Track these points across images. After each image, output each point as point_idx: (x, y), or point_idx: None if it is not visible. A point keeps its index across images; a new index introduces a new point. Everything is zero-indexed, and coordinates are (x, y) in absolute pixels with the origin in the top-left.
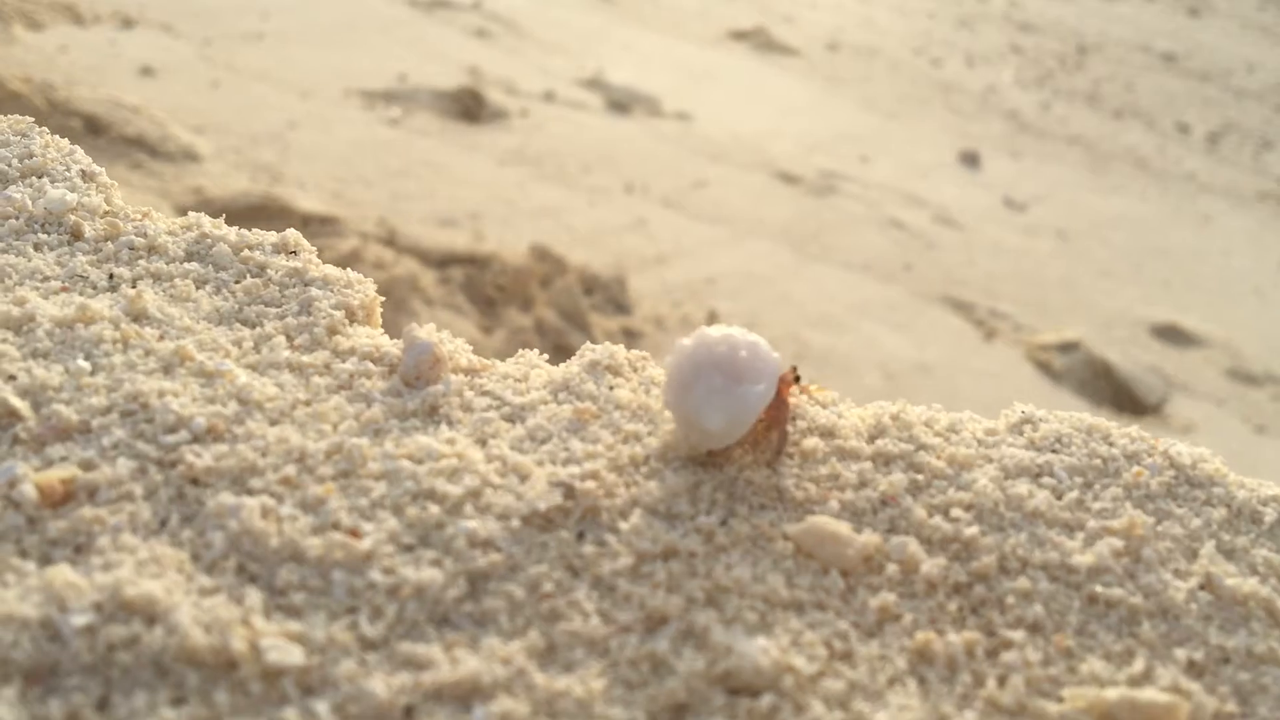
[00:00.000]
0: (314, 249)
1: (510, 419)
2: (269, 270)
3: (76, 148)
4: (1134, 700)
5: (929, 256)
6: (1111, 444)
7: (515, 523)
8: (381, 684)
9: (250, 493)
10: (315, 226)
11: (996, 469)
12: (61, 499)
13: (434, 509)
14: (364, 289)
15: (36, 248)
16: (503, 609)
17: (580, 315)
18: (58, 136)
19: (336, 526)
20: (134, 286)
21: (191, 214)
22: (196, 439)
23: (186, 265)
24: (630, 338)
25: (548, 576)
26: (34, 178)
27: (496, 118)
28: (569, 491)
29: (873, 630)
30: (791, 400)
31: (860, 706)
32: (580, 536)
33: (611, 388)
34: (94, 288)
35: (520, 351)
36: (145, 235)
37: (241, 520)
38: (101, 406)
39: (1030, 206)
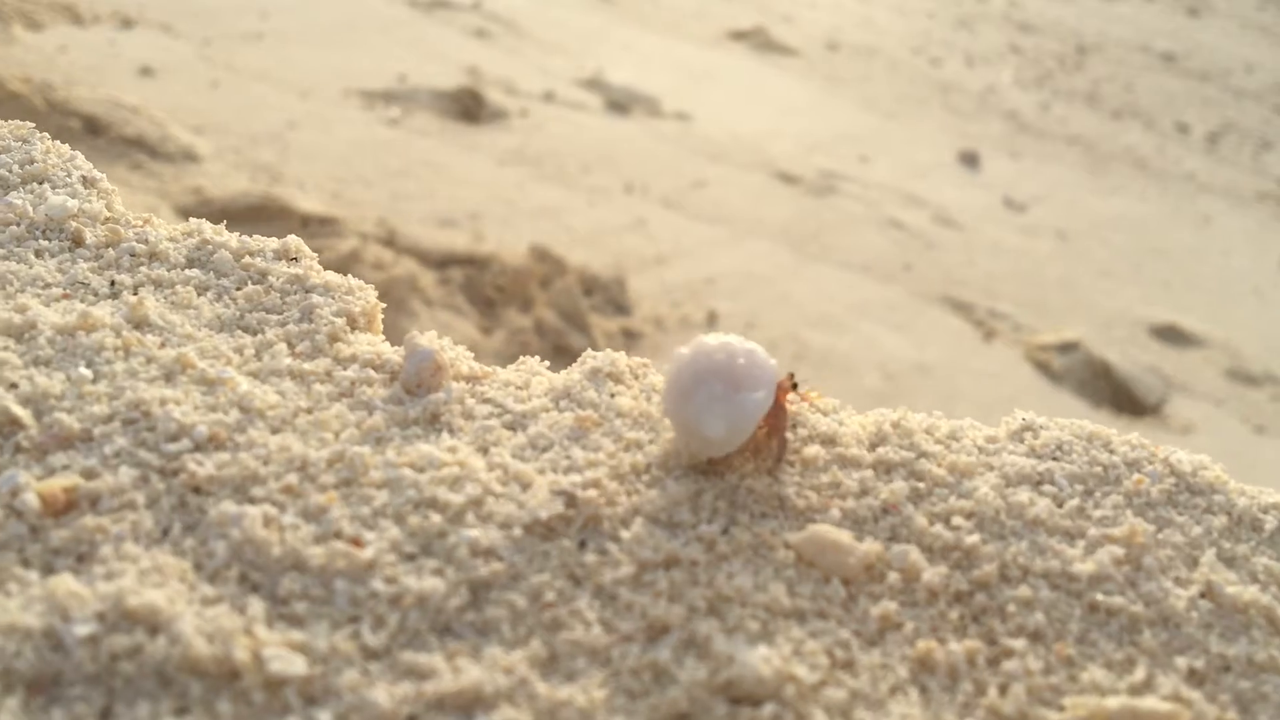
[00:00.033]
0: (315, 255)
1: (511, 427)
2: (270, 277)
3: (77, 153)
4: (1135, 709)
5: (928, 257)
6: (1112, 451)
7: (517, 531)
8: (384, 693)
9: (252, 501)
10: (315, 227)
11: (997, 477)
12: (64, 508)
13: (436, 518)
14: (365, 295)
15: (38, 254)
16: (505, 618)
17: (580, 316)
18: (59, 142)
19: (338, 535)
20: (135, 293)
21: (192, 220)
22: (198, 447)
23: (188, 272)
24: (630, 338)
25: (549, 585)
26: (35, 184)
27: (496, 118)
28: (570, 500)
29: (874, 639)
30: (791, 408)
31: (862, 715)
32: (582, 545)
33: (613, 395)
34: (95, 295)
35: (521, 358)
36: (146, 241)
37: (244, 529)
38: (103, 415)
39: (1030, 207)
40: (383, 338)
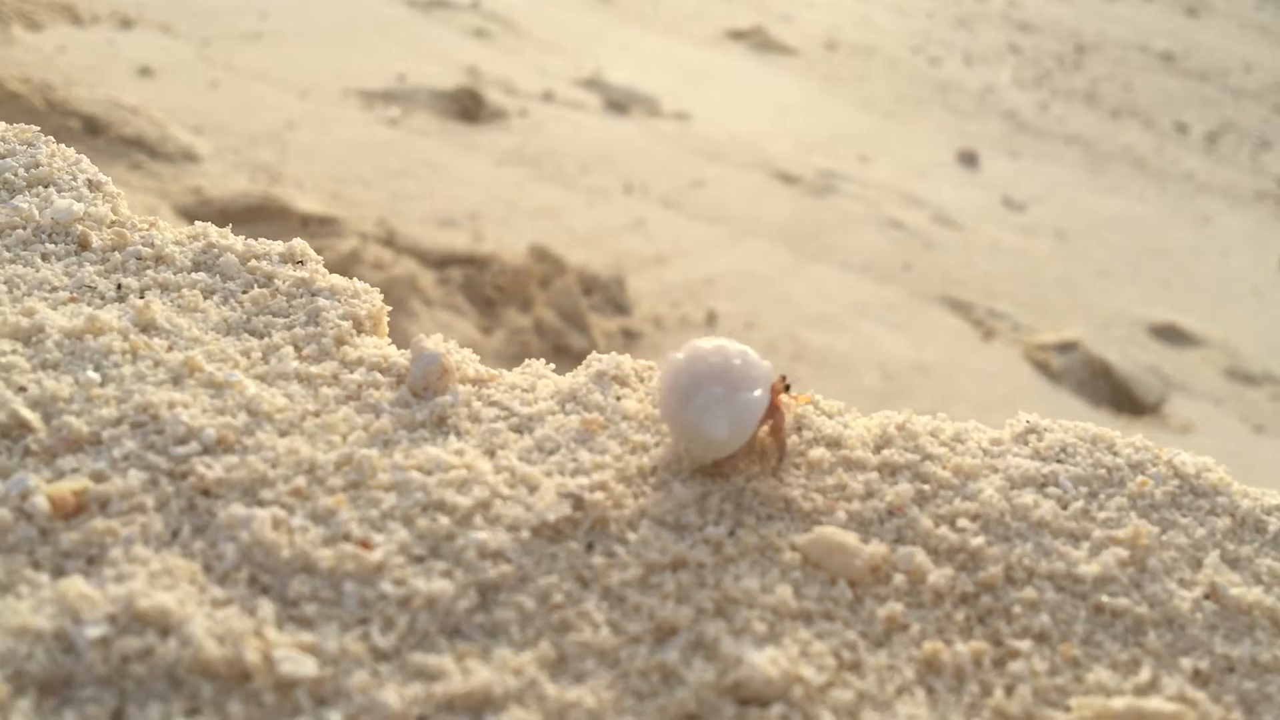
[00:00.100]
0: (320, 258)
1: (518, 430)
2: (276, 280)
3: (82, 157)
4: (1140, 709)
5: (927, 256)
6: (1116, 454)
7: (525, 534)
8: (394, 695)
9: (261, 504)
10: (314, 227)
11: (1002, 479)
12: (73, 510)
13: (444, 520)
14: (371, 299)
15: (44, 258)
16: (513, 620)
17: (579, 315)
18: (64, 145)
19: (347, 538)
20: (142, 297)
21: (198, 223)
22: (207, 450)
23: (194, 275)
24: (629, 338)
25: (557, 587)
26: (40, 187)
27: (495, 118)
28: (578, 502)
29: (881, 640)
30: (797, 411)
31: (869, 716)
32: (589, 547)
33: (619, 398)
34: (102, 298)
35: (526, 361)
36: (152, 245)
37: (253, 531)
38: (112, 418)
39: (1029, 206)
40: (389, 341)
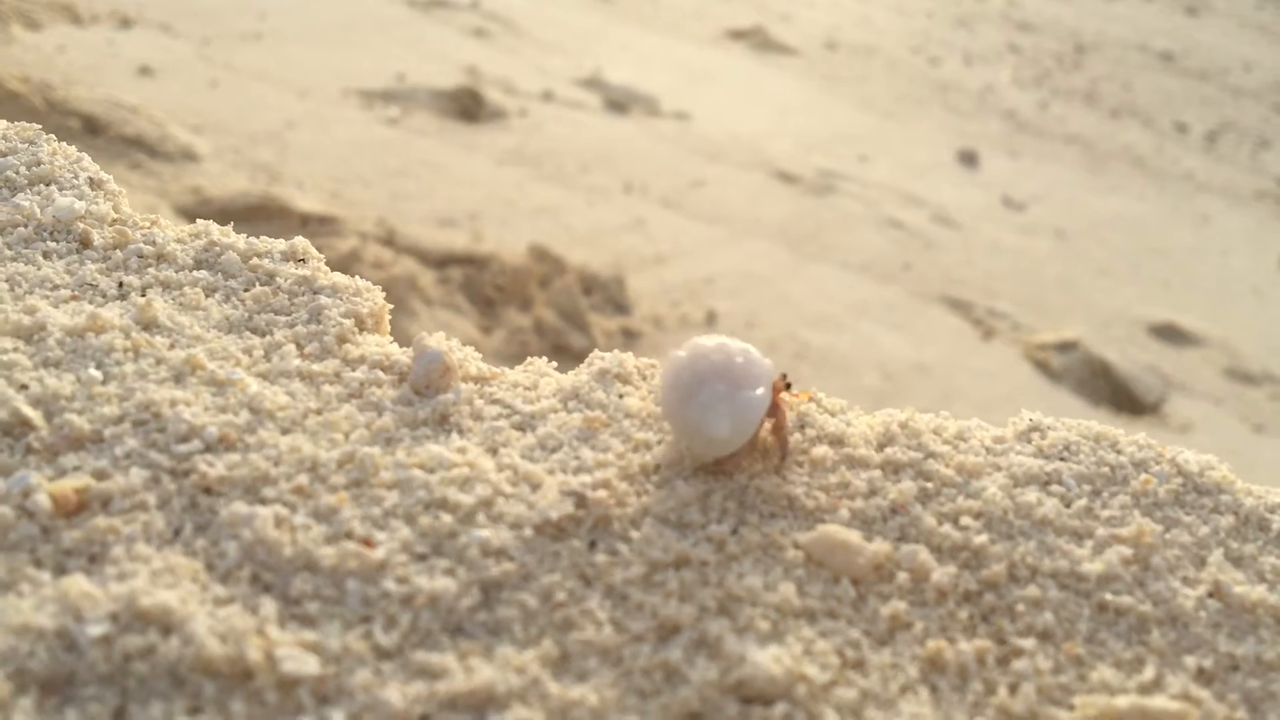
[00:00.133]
0: (322, 256)
1: (520, 427)
2: (278, 278)
3: (84, 155)
4: (1144, 708)
5: (927, 256)
6: (1119, 452)
7: (527, 532)
8: (397, 693)
9: (263, 502)
10: (314, 226)
11: (1005, 477)
12: (75, 508)
13: (446, 518)
14: (373, 297)
15: (45, 256)
16: (516, 618)
17: (579, 315)
18: (65, 144)
19: (350, 536)
20: (144, 295)
21: (200, 221)
22: (209, 448)
23: (196, 273)
24: (629, 337)
25: (560, 585)
26: (42, 185)
27: (495, 117)
28: (580, 500)
29: (884, 638)
30: (800, 409)
31: (873, 715)
32: (592, 545)
33: (621, 396)
34: (104, 296)
35: (529, 359)
36: (154, 243)
37: (255, 530)
38: (114, 416)
39: (1028, 206)
40: (391, 339)
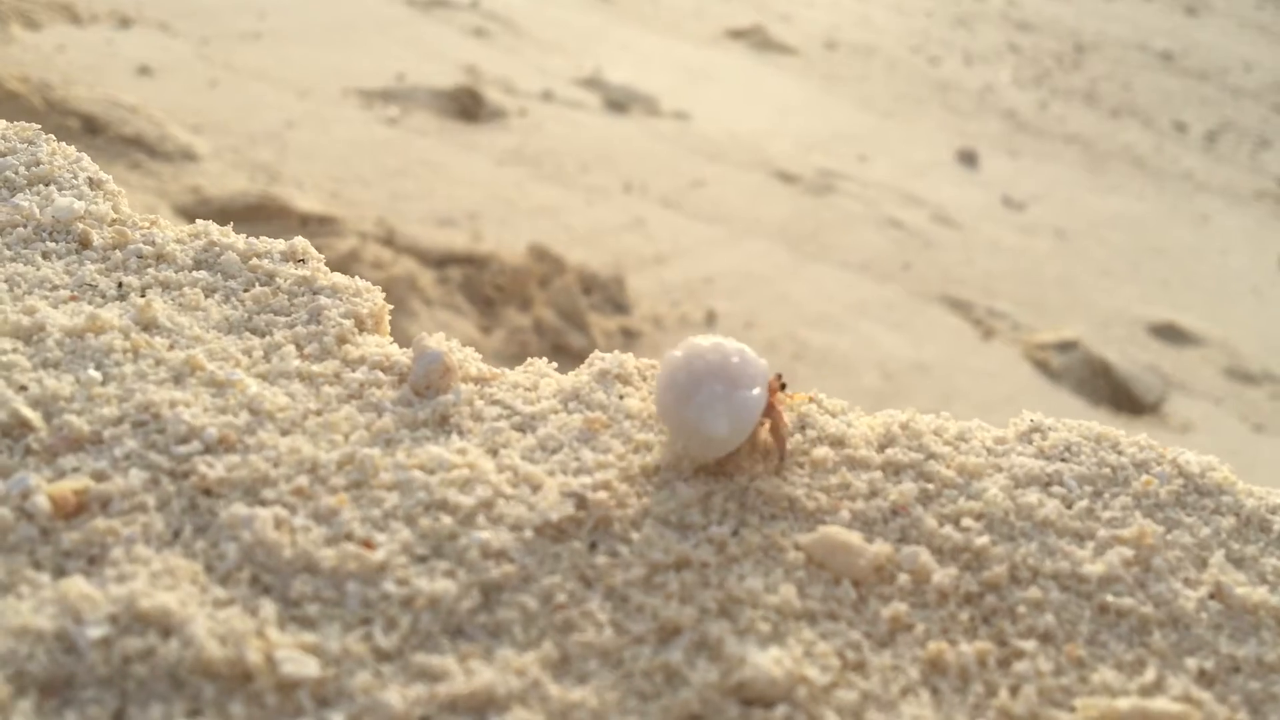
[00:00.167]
0: (322, 257)
1: (521, 428)
2: (277, 279)
3: (83, 155)
4: (1146, 710)
5: (927, 256)
6: (1120, 453)
7: (528, 533)
8: (397, 696)
9: (263, 504)
10: (313, 226)
11: (1006, 478)
12: (74, 510)
13: (446, 520)
14: (372, 297)
15: (45, 256)
16: (516, 620)
17: (579, 315)
18: (64, 144)
19: (350, 537)
20: (143, 295)
21: (199, 222)
22: (208, 449)
23: (195, 274)
24: (629, 337)
25: (561, 587)
26: (41, 185)
27: (494, 117)
28: (581, 502)
29: (885, 640)
30: (801, 410)
31: (874, 717)
32: (593, 547)
33: (621, 397)
34: (103, 297)
35: (529, 360)
36: (153, 243)
37: (255, 531)
38: (113, 417)
39: (1028, 205)
40: (391, 339)
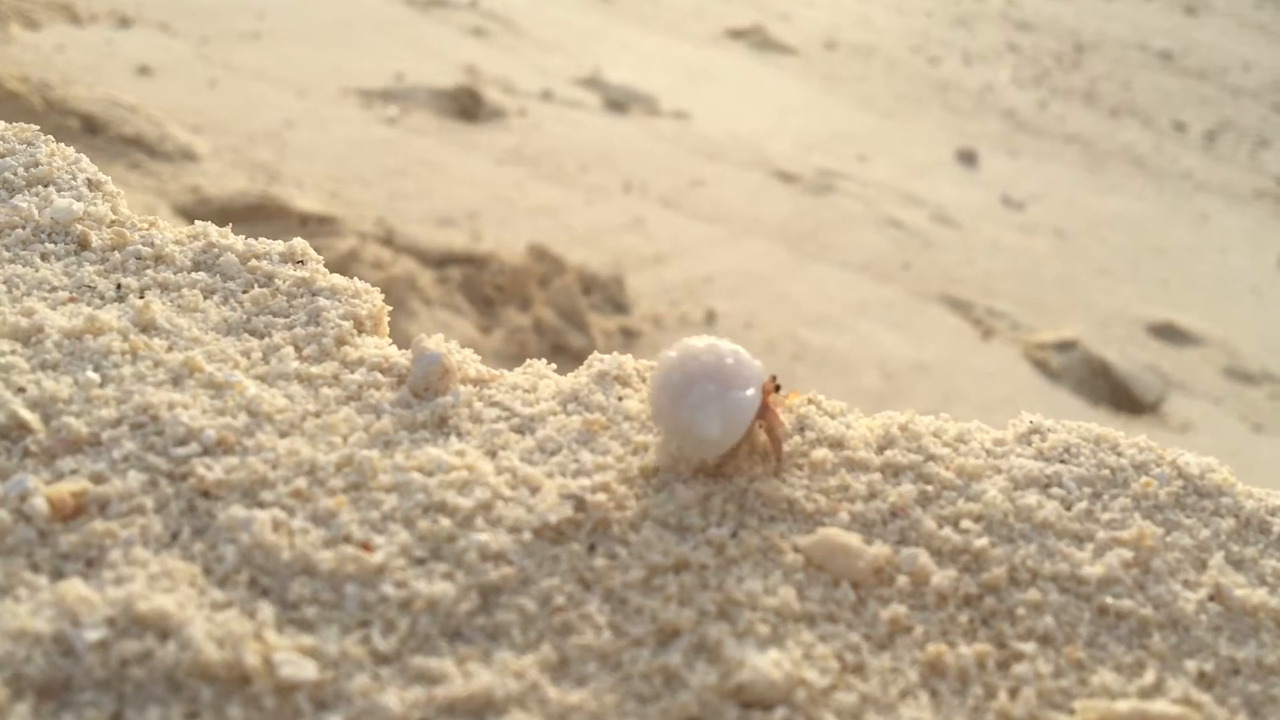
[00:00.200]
0: (320, 258)
1: (519, 430)
2: (276, 280)
3: (82, 156)
4: (1145, 712)
5: (927, 255)
6: (1120, 454)
7: (526, 535)
8: (395, 698)
9: (261, 505)
10: (313, 226)
11: (1005, 480)
12: (72, 512)
13: (445, 522)
14: (371, 298)
15: (43, 257)
16: (515, 622)
17: (578, 315)
18: (63, 145)
19: (348, 540)
20: (142, 297)
21: (198, 223)
22: (207, 451)
23: (194, 275)
24: (628, 337)
25: (559, 589)
26: (40, 186)
27: (494, 117)
28: (580, 504)
29: (884, 642)
30: (800, 411)
31: (873, 719)
32: (591, 549)
33: (620, 398)
34: (102, 298)
35: (528, 361)
36: (152, 245)
37: (253, 533)
38: (111, 419)
39: (1028, 205)
40: (389, 341)
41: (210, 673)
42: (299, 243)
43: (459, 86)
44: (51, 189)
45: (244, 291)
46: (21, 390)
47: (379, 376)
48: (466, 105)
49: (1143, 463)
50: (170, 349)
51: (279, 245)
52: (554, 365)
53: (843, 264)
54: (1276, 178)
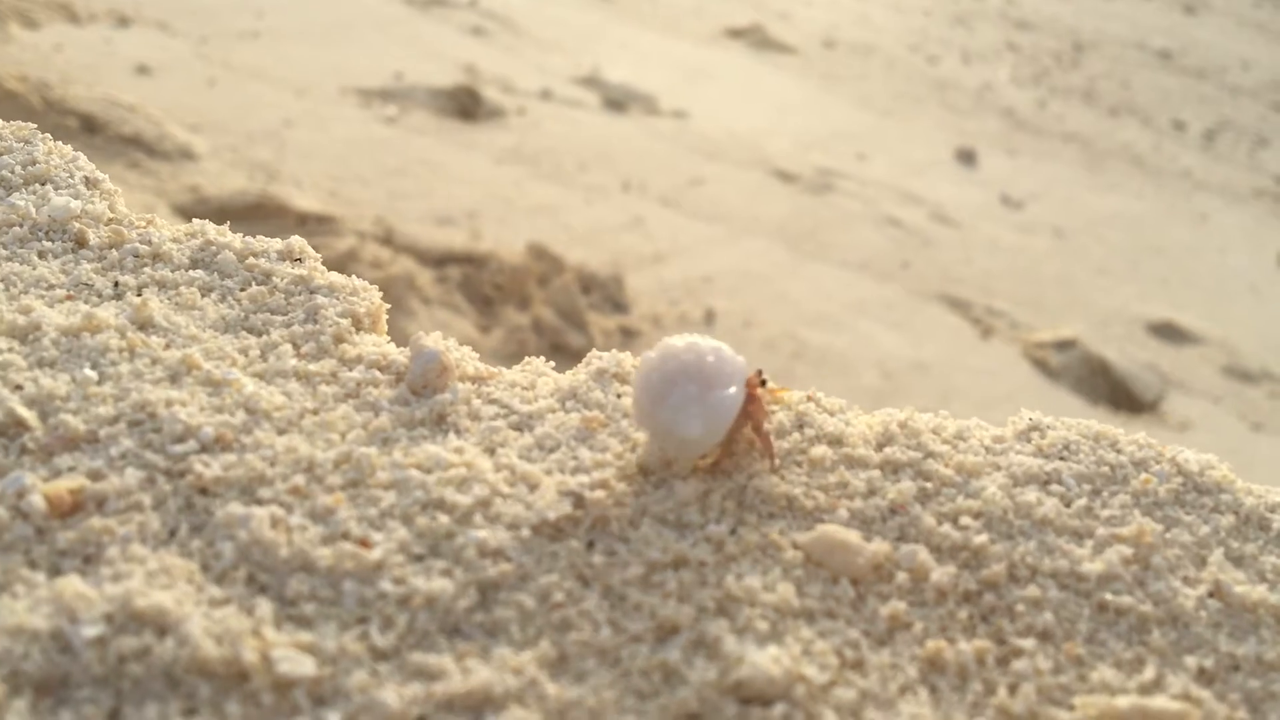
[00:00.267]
0: (318, 256)
1: (518, 427)
2: (274, 278)
3: (79, 154)
4: (1145, 708)
5: (926, 254)
6: (1119, 451)
7: (525, 532)
8: (393, 694)
9: (259, 503)
10: (312, 225)
11: (1005, 477)
12: (70, 509)
13: (443, 518)
14: (369, 296)
15: (41, 255)
16: (513, 619)
17: (578, 314)
18: (60, 143)
19: (346, 536)
20: (139, 294)
21: (196, 221)
22: (204, 448)
23: (192, 273)
24: (628, 336)
25: (558, 586)
26: (37, 185)
27: (493, 116)
28: (578, 500)
29: (883, 639)
30: (799, 408)
31: (872, 715)
32: (590, 546)
33: (619, 396)
34: (99, 296)
35: (526, 359)
36: (150, 242)
37: (251, 530)
38: (109, 416)
39: (1027, 204)
40: (388, 338)
41: (208, 669)
42: (297, 241)
43: (458, 86)
44: (49, 187)
45: (242, 289)
46: (19, 388)
47: (377, 374)
48: (465, 104)
49: (1142, 459)
50: (168, 346)
51: (277, 243)
52: (552, 363)
53: (842, 263)
54: (1275, 176)
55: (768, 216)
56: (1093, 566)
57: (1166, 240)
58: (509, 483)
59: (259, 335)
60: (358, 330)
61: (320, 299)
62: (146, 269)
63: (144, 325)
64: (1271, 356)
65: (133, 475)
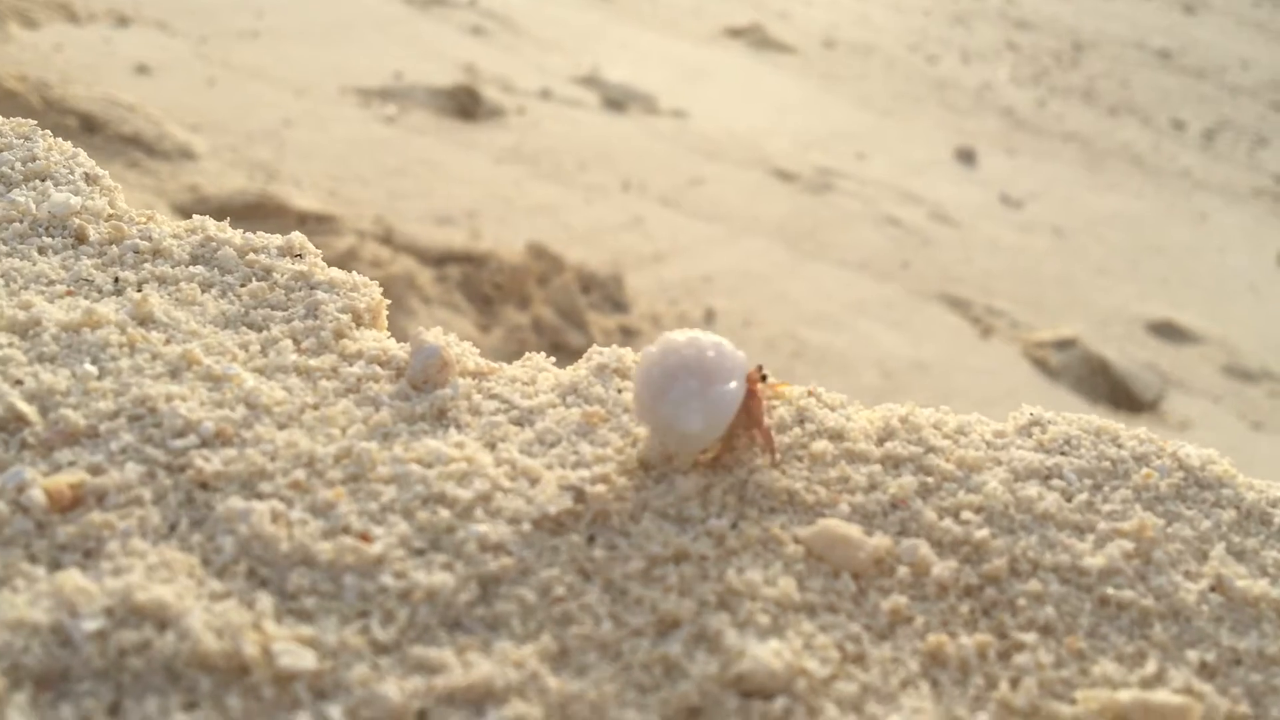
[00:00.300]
0: (319, 252)
1: (519, 422)
2: (274, 273)
3: (79, 150)
4: (1147, 702)
5: (925, 254)
6: (1120, 446)
7: (526, 526)
8: (394, 688)
9: (260, 497)
10: (312, 225)
11: (1006, 471)
12: (70, 504)
13: (444, 513)
14: (370, 292)
15: (41, 251)
16: (515, 613)
17: (577, 313)
18: (60, 139)
19: (347, 530)
20: (139, 290)
21: (196, 217)
22: (205, 443)
23: (192, 269)
24: (627, 336)
25: (559, 580)
26: (37, 181)
27: (493, 115)
28: (579, 495)
29: (885, 633)
30: (800, 404)
31: (873, 709)
32: (591, 540)
33: (619, 390)
34: (99, 291)
35: (527, 354)
36: (150, 238)
37: (251, 525)
38: (109, 411)
39: (1026, 203)
40: (388, 334)
41: (209, 663)
42: (297, 236)
43: (458, 85)
44: (49, 183)
45: (242, 285)
46: (19, 383)
47: (377, 369)
48: (465, 104)
49: (1143, 454)
50: (168, 342)
51: (277, 239)
52: (553, 359)
53: (841, 262)
54: (1275, 176)
55: (767, 216)
56: (1094, 561)
57: (1166, 240)
58: (510, 477)
59: (259, 330)
60: (358, 325)
61: (320, 294)
62: (147, 265)
63: (144, 321)
64: (1271, 356)
65: (133, 470)
